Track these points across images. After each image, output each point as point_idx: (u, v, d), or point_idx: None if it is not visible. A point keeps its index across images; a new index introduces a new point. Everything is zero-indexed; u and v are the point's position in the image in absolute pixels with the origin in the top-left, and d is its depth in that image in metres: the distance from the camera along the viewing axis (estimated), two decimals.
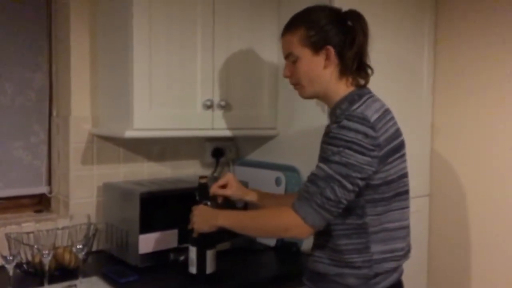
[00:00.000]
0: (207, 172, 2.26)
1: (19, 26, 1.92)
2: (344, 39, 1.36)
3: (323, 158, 1.26)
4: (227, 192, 1.63)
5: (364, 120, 1.24)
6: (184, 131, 1.84)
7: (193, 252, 1.60)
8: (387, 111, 1.33)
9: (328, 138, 1.26)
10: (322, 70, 1.37)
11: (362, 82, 1.40)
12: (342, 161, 1.22)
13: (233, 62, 1.95)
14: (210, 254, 1.60)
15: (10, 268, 1.47)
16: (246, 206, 1.97)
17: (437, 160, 2.26)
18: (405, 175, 1.37)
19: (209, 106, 1.87)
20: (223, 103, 1.90)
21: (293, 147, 2.02)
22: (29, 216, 1.91)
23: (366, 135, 1.23)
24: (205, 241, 1.59)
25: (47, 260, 1.51)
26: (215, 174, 2.26)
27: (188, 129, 1.84)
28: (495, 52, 2.05)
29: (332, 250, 1.35)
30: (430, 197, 2.29)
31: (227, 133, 1.97)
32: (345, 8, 1.42)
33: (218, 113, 1.90)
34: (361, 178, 1.24)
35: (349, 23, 1.37)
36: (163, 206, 1.77)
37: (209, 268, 1.61)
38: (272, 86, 2.08)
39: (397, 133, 1.33)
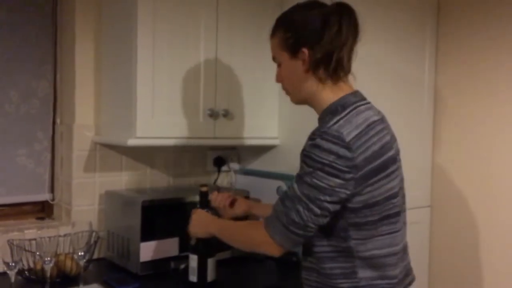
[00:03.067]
0: (209, 181, 2.26)
1: (24, 35, 1.94)
2: (317, 37, 1.22)
3: (297, 176, 1.19)
4: (236, 211, 1.63)
5: (338, 140, 1.13)
6: (186, 140, 1.85)
7: (193, 260, 1.60)
8: (372, 125, 1.19)
9: (302, 155, 1.19)
10: (303, 74, 1.26)
11: (345, 86, 1.27)
12: (313, 183, 1.14)
13: (236, 71, 1.97)
14: (210, 263, 1.61)
15: (12, 274, 1.48)
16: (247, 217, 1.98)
17: (438, 171, 2.26)
18: (393, 196, 1.22)
19: (211, 115, 1.88)
20: (225, 112, 1.91)
21: (295, 156, 2.01)
22: (32, 223, 1.92)
23: (338, 156, 1.12)
24: (205, 249, 1.60)
25: (48, 267, 1.52)
26: (217, 183, 2.27)
27: (190, 138, 1.86)
28: (498, 61, 2.05)
29: (318, 273, 1.26)
30: (431, 208, 2.28)
31: (229, 142, 1.98)
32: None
33: (220, 122, 1.92)
34: (332, 202, 1.14)
35: (328, 17, 1.21)
36: (164, 215, 1.78)
37: (210, 276, 1.61)
38: (273, 95, 2.09)
39: (383, 150, 1.19)
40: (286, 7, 2.00)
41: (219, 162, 2.27)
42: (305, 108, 1.49)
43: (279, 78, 1.35)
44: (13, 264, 1.48)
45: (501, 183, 2.05)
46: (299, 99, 1.33)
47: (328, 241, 1.23)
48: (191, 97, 1.85)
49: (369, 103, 1.26)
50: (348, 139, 1.13)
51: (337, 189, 1.14)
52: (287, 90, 1.35)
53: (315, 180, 1.14)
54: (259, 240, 1.25)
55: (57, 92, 2.03)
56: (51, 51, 2.01)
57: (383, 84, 2.03)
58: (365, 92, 1.35)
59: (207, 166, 2.27)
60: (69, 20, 1.94)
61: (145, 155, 2.09)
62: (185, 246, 1.71)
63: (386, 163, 1.19)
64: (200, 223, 1.51)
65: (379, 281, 1.22)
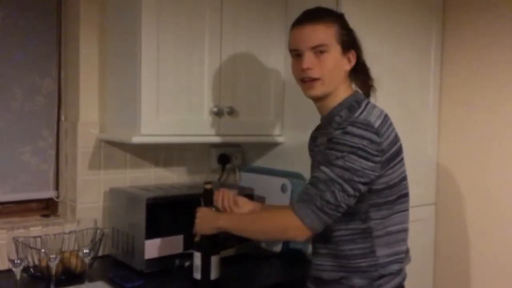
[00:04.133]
0: (214, 178, 2.26)
1: (29, 32, 1.94)
2: (359, 47, 1.40)
3: (326, 161, 1.26)
4: (243, 211, 1.62)
5: (368, 126, 1.25)
6: (191, 137, 1.85)
7: (197, 257, 1.60)
8: (386, 117, 1.34)
9: (331, 143, 1.26)
10: (343, 72, 1.38)
11: (356, 88, 1.43)
12: (346, 165, 1.23)
13: (240, 69, 1.97)
14: (214, 260, 1.61)
15: (17, 271, 1.48)
16: None
17: (443, 169, 2.26)
18: (405, 178, 1.38)
19: (216, 113, 1.88)
20: (229, 109, 1.91)
21: (299, 154, 2.02)
22: (37, 220, 1.93)
23: (371, 141, 1.24)
24: (209, 246, 1.59)
25: (53, 264, 1.53)
26: (221, 180, 2.27)
27: (195, 135, 1.86)
28: (505, 60, 2.04)
29: (335, 256, 1.35)
30: (436, 205, 2.28)
31: (234, 139, 1.98)
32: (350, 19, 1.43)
33: (225, 119, 1.91)
34: (363, 183, 1.25)
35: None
36: (169, 212, 1.78)
37: (214, 274, 1.61)
38: (278, 92, 2.09)
39: (397, 138, 1.34)
40: (290, 7, 2.04)
41: (224, 160, 2.27)
42: (310, 106, 1.49)
43: (312, 64, 1.34)
44: (18, 261, 1.48)
45: (506, 181, 2.04)
46: (326, 91, 1.38)
47: (347, 224, 1.32)
48: (195, 94, 1.84)
49: (371, 101, 1.41)
50: (376, 125, 1.26)
51: (367, 171, 1.24)
52: (321, 79, 1.35)
53: (348, 163, 1.23)
54: (287, 225, 1.28)
55: (61, 90, 2.03)
56: (55, 48, 2.01)
57: (389, 83, 2.02)
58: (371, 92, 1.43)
59: (212, 163, 2.27)
60: (74, 18, 1.94)
61: (149, 153, 2.09)
62: (190, 243, 1.71)
63: (400, 149, 1.34)
64: (207, 220, 1.51)
65: (394, 257, 1.34)
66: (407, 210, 1.39)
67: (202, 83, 1.86)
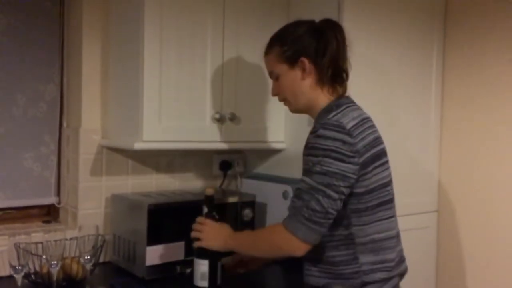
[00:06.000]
0: (215, 184, 2.26)
1: (32, 39, 1.95)
2: (317, 48, 1.37)
3: (305, 170, 1.27)
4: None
5: (339, 128, 1.24)
6: (192, 144, 1.85)
7: (204, 264, 1.57)
8: (365, 120, 1.33)
9: (307, 148, 1.27)
10: (301, 82, 1.39)
11: (340, 90, 1.41)
12: (323, 170, 1.23)
13: (242, 75, 1.97)
14: (218, 267, 1.59)
15: (18, 278, 1.48)
16: (253, 218, 1.98)
17: (445, 176, 2.25)
18: (387, 184, 1.36)
19: (217, 119, 1.88)
20: (232, 116, 1.91)
21: (301, 160, 2.02)
22: (38, 226, 1.92)
23: (343, 142, 1.23)
24: (214, 253, 1.58)
25: (55, 271, 1.53)
26: (223, 187, 2.26)
27: (196, 142, 1.86)
28: (507, 65, 2.04)
29: (321, 262, 1.35)
30: (438, 213, 2.27)
31: (235, 146, 1.98)
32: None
33: (227, 126, 1.91)
34: (345, 186, 1.24)
35: (323, 32, 1.38)
36: (170, 218, 1.77)
37: (218, 280, 1.60)
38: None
39: (377, 141, 1.33)
40: (292, 12, 2.05)
41: (225, 166, 2.27)
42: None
43: (275, 91, 1.48)
44: (19, 267, 1.48)
45: (508, 187, 2.04)
46: (299, 107, 1.45)
47: (332, 230, 1.30)
48: (197, 101, 1.85)
49: (357, 105, 1.39)
50: (348, 127, 1.25)
51: (346, 174, 1.23)
52: (286, 99, 1.46)
53: (325, 167, 1.22)
54: (281, 242, 1.29)
55: (64, 96, 2.04)
56: (58, 55, 2.02)
57: (390, 90, 2.03)
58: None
59: (213, 170, 2.26)
60: (76, 24, 1.95)
61: (151, 159, 2.09)
62: (191, 250, 1.70)
63: (380, 153, 1.33)
64: (216, 237, 1.49)
65: (379, 265, 1.32)
66: (392, 216, 1.38)
67: (204, 90, 1.86)
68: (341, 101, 1.37)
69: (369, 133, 1.31)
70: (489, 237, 2.10)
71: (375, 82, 1.96)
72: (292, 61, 1.39)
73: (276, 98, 2.04)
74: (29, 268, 1.58)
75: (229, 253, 1.79)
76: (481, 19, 2.13)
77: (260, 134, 2.05)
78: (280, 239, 1.28)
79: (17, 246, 1.50)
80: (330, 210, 1.23)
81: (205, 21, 1.85)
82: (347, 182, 1.24)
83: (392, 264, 1.35)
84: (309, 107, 1.42)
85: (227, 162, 2.27)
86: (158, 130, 1.75)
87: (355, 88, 1.60)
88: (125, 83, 1.83)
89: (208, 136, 1.88)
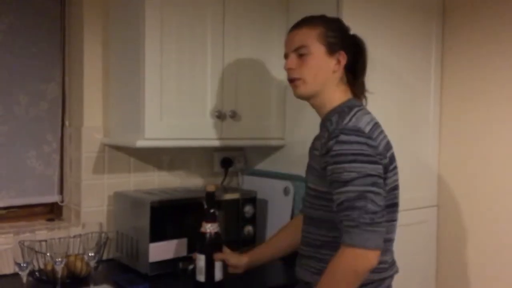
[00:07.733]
0: (216, 181, 2.27)
1: (33, 38, 1.96)
2: (355, 52, 1.40)
3: (340, 182, 1.22)
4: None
5: (359, 132, 1.25)
6: (194, 141, 1.87)
7: (201, 260, 1.60)
8: (376, 124, 1.34)
9: (330, 157, 1.24)
10: (330, 72, 1.37)
11: (350, 90, 1.42)
12: (361, 173, 1.20)
13: (242, 73, 1.98)
14: (218, 262, 1.61)
15: (23, 275, 1.50)
16: (255, 214, 1.99)
17: (445, 170, 2.27)
18: (396, 187, 1.36)
19: (218, 117, 1.89)
20: (232, 113, 1.93)
21: (302, 157, 2.03)
22: (42, 224, 1.94)
23: (368, 145, 1.24)
24: (212, 248, 1.60)
25: (59, 268, 1.54)
26: (224, 184, 2.28)
27: (198, 139, 1.87)
28: (506, 65, 2.05)
29: (319, 260, 1.35)
30: (438, 207, 2.29)
31: (236, 143, 2.00)
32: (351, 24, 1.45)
33: (227, 123, 1.93)
34: (381, 183, 1.24)
35: (361, 42, 1.43)
36: (173, 215, 1.79)
37: (217, 276, 1.62)
38: (280, 96, 2.10)
39: (389, 145, 1.34)
40: (292, 11, 2.06)
41: (226, 163, 2.28)
42: (311, 110, 1.50)
43: (294, 65, 1.39)
44: (24, 265, 1.50)
45: (507, 182, 2.05)
46: (311, 92, 1.39)
47: (333, 231, 1.30)
48: (198, 98, 1.86)
49: (367, 109, 1.40)
50: (366, 130, 1.26)
51: (379, 173, 1.23)
52: (302, 79, 1.38)
53: (362, 171, 1.20)
54: (353, 263, 1.19)
55: (65, 95, 2.05)
56: (59, 54, 2.03)
57: (389, 86, 2.04)
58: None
59: (214, 167, 2.28)
60: (77, 23, 1.96)
61: (153, 157, 2.10)
62: (194, 246, 1.72)
63: (392, 157, 1.34)
64: None
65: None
66: (395, 220, 1.37)
67: (205, 87, 1.87)
68: (352, 102, 1.38)
69: (382, 138, 1.32)
70: (488, 231, 2.11)
71: (374, 78, 1.97)
72: (332, 48, 1.36)
73: (276, 95, 2.09)
74: (34, 266, 1.60)
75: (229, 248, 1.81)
76: (480, 15, 2.14)
77: (260, 131, 2.06)
78: (351, 260, 1.19)
79: (21, 244, 1.52)
80: (383, 206, 1.22)
81: (205, 19, 1.86)
82: (382, 180, 1.24)
83: (385, 266, 1.36)
84: (320, 98, 1.39)
85: (228, 159, 2.28)
86: (159, 128, 1.76)
87: None
88: (126, 82, 1.84)
89: (209, 134, 1.89)
